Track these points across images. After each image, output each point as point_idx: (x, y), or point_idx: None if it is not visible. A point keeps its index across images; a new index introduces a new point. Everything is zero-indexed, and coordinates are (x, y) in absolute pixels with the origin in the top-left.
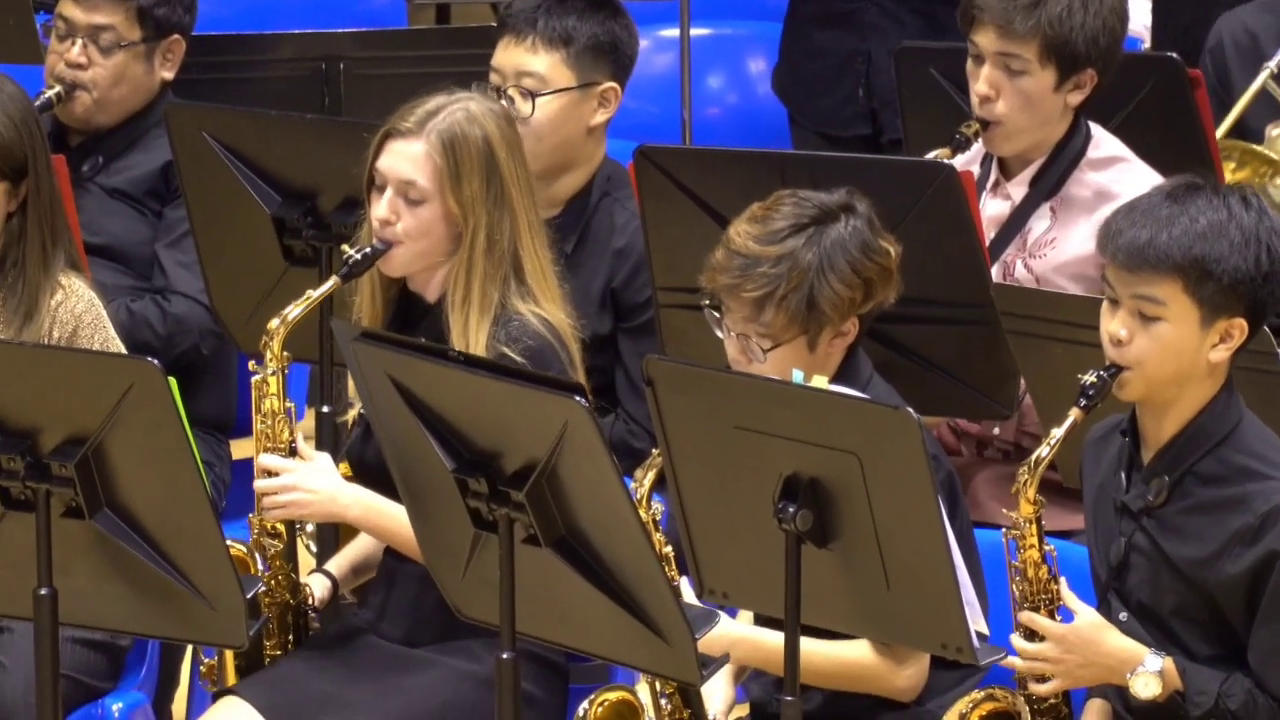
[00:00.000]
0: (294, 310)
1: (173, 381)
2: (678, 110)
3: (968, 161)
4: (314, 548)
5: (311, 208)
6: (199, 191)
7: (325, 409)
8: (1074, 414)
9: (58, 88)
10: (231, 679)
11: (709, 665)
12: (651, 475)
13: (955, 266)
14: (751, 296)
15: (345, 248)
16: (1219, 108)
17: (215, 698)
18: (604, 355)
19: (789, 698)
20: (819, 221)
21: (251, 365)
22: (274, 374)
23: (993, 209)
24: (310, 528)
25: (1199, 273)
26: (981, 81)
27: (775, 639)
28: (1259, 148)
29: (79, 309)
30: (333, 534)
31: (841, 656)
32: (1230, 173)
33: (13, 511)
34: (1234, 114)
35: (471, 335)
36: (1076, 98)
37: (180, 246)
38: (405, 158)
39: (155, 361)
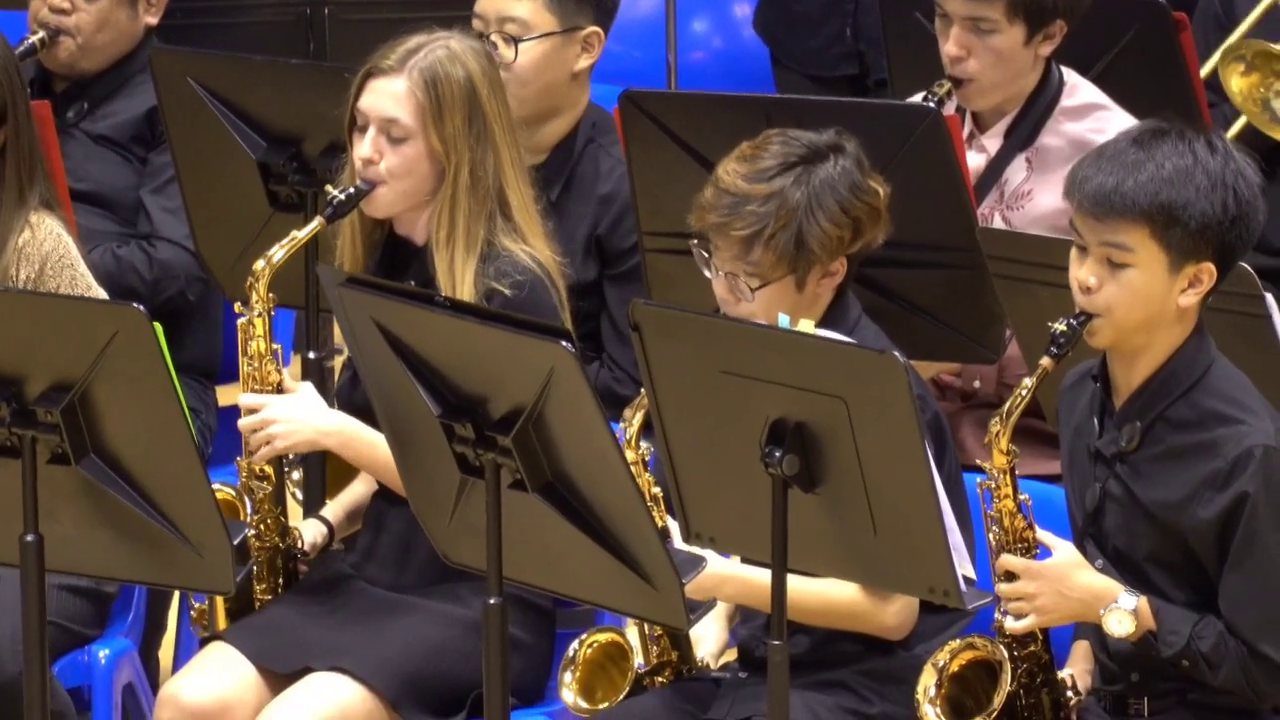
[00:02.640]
0: (278, 252)
1: (158, 327)
2: (662, 54)
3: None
4: (300, 495)
5: (296, 153)
6: (184, 137)
7: (311, 354)
8: (1045, 362)
9: (41, 33)
10: (222, 624)
11: (696, 610)
12: (640, 415)
13: (941, 211)
14: (740, 235)
15: (329, 188)
16: (1220, 32)
17: (202, 644)
18: (589, 302)
19: (776, 642)
20: (808, 160)
21: (237, 307)
22: (260, 315)
23: (970, 162)
24: (296, 475)
25: (1166, 218)
26: (951, 42)
27: (764, 577)
28: (1277, 47)
29: (46, 247)
30: (319, 481)
31: (828, 595)
32: (1239, 75)
33: None
34: (1241, 29)
35: (458, 273)
36: (1047, 48)
37: (165, 192)
38: (387, 95)
39: (141, 307)
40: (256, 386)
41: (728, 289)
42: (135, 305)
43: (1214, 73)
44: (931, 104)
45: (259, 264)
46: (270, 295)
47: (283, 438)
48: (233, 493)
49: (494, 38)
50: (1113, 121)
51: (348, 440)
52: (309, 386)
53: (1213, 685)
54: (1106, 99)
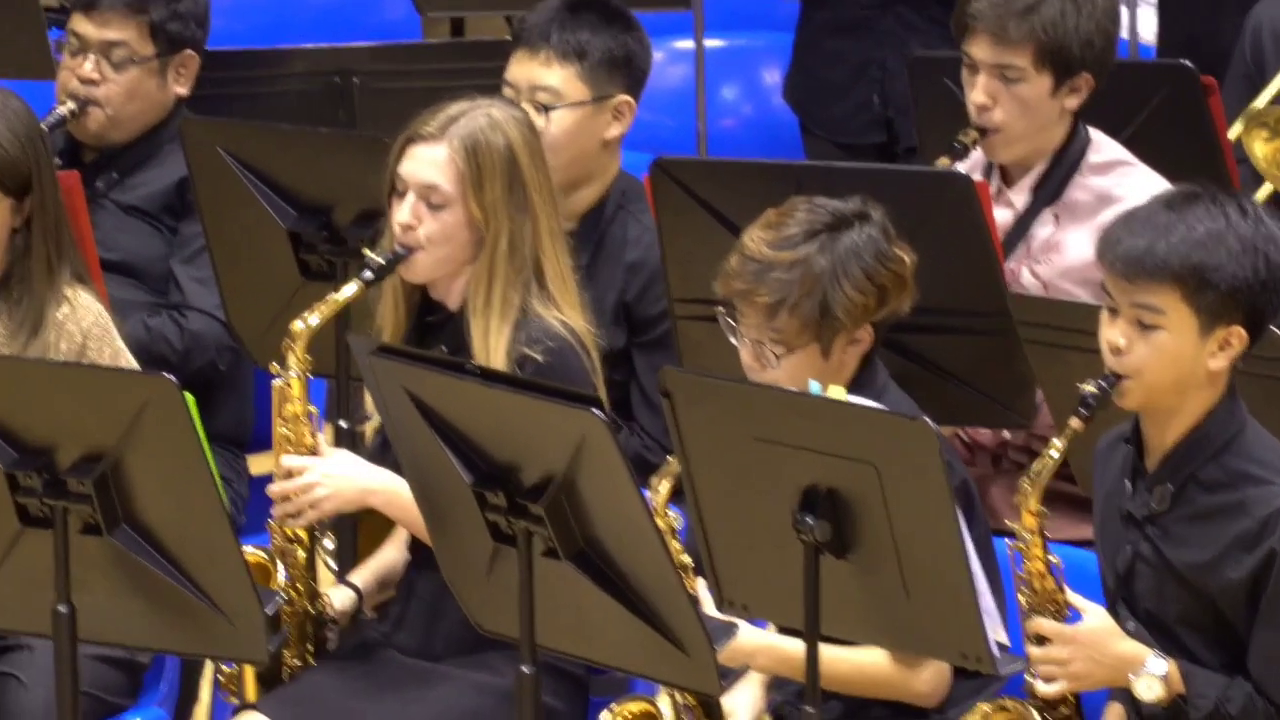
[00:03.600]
0: (316, 314)
1: (190, 397)
2: (693, 122)
3: (968, 170)
4: (333, 565)
5: (327, 222)
6: (214, 207)
7: (343, 423)
8: (1074, 423)
9: (71, 104)
10: (251, 689)
11: (728, 676)
12: (668, 483)
13: (971, 276)
14: (765, 302)
15: (367, 252)
16: (1251, 93)
17: (235, 713)
18: (618, 369)
19: (809, 709)
20: (833, 228)
21: (273, 368)
22: (296, 377)
23: (997, 218)
24: (329, 544)
25: (1197, 281)
26: (978, 90)
27: (795, 646)
28: None
29: (85, 322)
30: (351, 552)
31: (860, 662)
32: (1263, 141)
33: (31, 528)
34: (1265, 94)
35: (492, 340)
36: (1074, 102)
37: (196, 262)
38: (427, 162)
39: (172, 377)
40: (292, 449)
41: (754, 356)
42: (166, 375)
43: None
44: (957, 149)
45: (296, 325)
46: (307, 358)
47: (329, 499)
48: (265, 555)
49: (525, 106)
50: (1137, 176)
51: (392, 497)
52: (347, 453)
53: None
54: (1129, 155)
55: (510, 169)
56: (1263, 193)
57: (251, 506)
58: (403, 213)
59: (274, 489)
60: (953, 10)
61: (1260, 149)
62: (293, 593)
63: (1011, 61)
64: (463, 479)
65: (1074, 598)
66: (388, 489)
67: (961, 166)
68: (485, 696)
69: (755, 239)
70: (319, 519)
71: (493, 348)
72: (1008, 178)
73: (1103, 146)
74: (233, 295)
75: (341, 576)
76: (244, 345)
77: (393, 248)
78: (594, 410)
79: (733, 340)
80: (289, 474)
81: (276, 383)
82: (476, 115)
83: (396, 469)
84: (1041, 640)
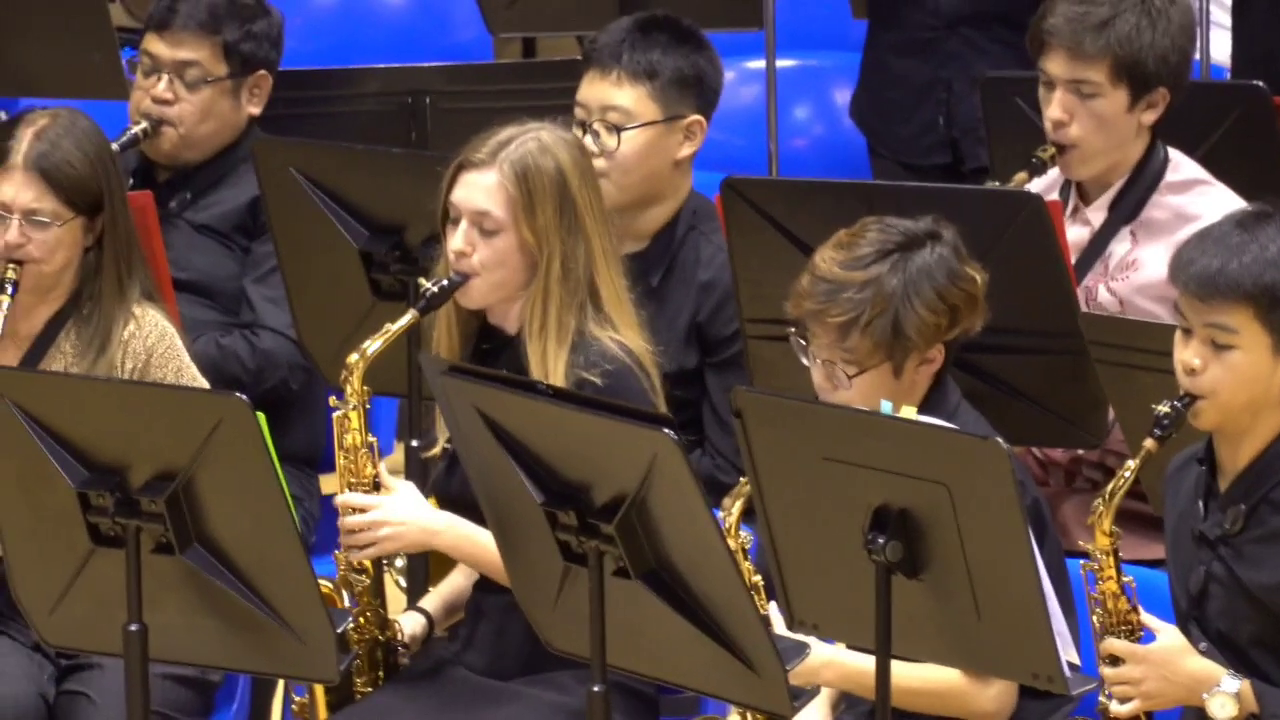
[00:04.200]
0: (372, 344)
1: (261, 417)
2: (764, 142)
3: (1045, 189)
4: (404, 583)
5: (399, 242)
6: (286, 226)
7: (414, 443)
8: (1148, 444)
9: (144, 123)
10: (322, 711)
11: (800, 696)
12: (739, 504)
13: (1043, 296)
14: (836, 322)
15: (422, 281)
16: None
17: None
18: (690, 389)
19: None
20: (904, 248)
21: (332, 401)
22: (354, 409)
23: (1073, 235)
24: (400, 563)
25: (1270, 300)
26: (1055, 106)
27: (863, 662)
28: None
29: (150, 340)
30: (423, 569)
31: (928, 679)
32: None
33: (102, 548)
34: None
35: (550, 364)
36: (1150, 117)
37: (268, 282)
38: (479, 189)
39: (244, 397)
40: (353, 480)
41: (825, 376)
42: (238, 394)
43: None
44: (1035, 165)
45: (353, 357)
46: (365, 388)
47: (393, 540)
48: (330, 585)
49: (596, 126)
50: (1216, 196)
51: (455, 541)
52: (410, 486)
53: None
54: (1207, 174)
55: (561, 192)
56: None
57: (323, 525)
58: (456, 240)
59: (341, 523)
60: (1019, 31)
61: None
62: (361, 620)
63: (1087, 76)
64: (534, 498)
65: (1147, 618)
66: (452, 530)
67: (1039, 183)
68: (555, 716)
69: (827, 259)
70: (379, 556)
71: (551, 371)
72: (1085, 195)
73: (1181, 165)
74: (304, 314)
75: (413, 597)
76: (316, 364)
77: (447, 275)
78: (665, 430)
79: (804, 360)
80: (353, 509)
81: (336, 414)
82: (526, 140)
83: (464, 487)
84: (1115, 660)
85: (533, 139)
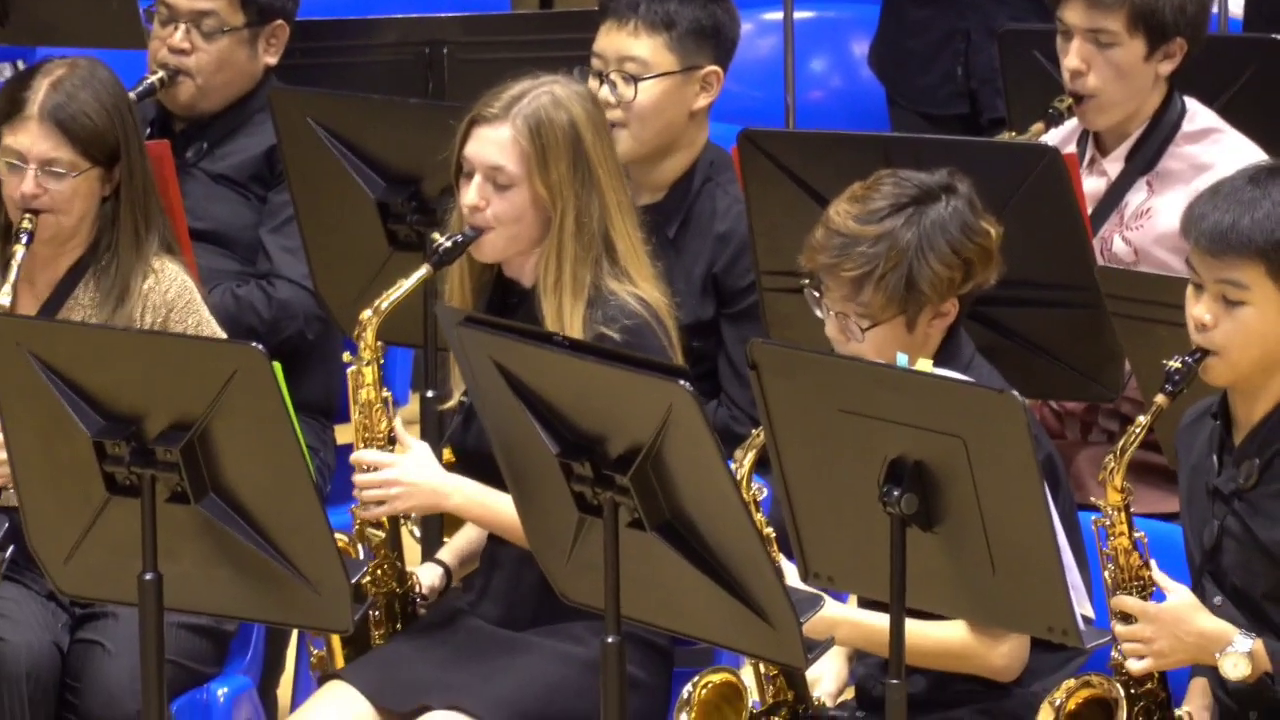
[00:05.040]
0: (386, 300)
1: (277, 366)
2: (781, 94)
3: (1063, 140)
4: (418, 533)
5: (415, 192)
6: (303, 176)
7: (430, 394)
8: (1160, 399)
9: (161, 73)
10: (339, 658)
11: (814, 649)
12: (751, 456)
13: (1059, 249)
14: (850, 275)
15: (435, 235)
16: None
17: (321, 681)
18: (706, 340)
19: (894, 681)
20: (919, 201)
21: (346, 356)
22: (369, 364)
23: (1089, 186)
24: (414, 515)
25: None
26: (1072, 56)
27: (875, 620)
28: None
29: (170, 294)
30: (437, 522)
31: (938, 636)
32: None
33: (118, 497)
34: None
35: (566, 319)
36: (1168, 67)
37: (285, 232)
38: (492, 143)
39: (260, 346)
40: (367, 435)
41: (839, 329)
42: (254, 344)
43: None
44: (1052, 115)
45: (366, 313)
46: (379, 343)
47: (403, 500)
48: (346, 539)
49: (614, 77)
50: (1229, 142)
51: (466, 503)
52: (424, 445)
53: None
54: (1223, 123)
55: (574, 146)
56: None
57: (338, 475)
58: (470, 194)
59: (355, 479)
60: None
61: None
62: (378, 573)
63: (1105, 26)
64: (549, 449)
65: (1159, 577)
66: (461, 493)
67: (1056, 133)
68: (569, 666)
69: (841, 212)
70: (392, 515)
71: (567, 326)
72: (1102, 145)
73: (1198, 115)
74: (321, 265)
75: (428, 549)
76: (332, 315)
77: (461, 229)
78: (681, 381)
79: (818, 313)
80: (368, 467)
81: (350, 370)
82: (539, 94)
83: (480, 439)
84: (1127, 618)
85: (546, 93)
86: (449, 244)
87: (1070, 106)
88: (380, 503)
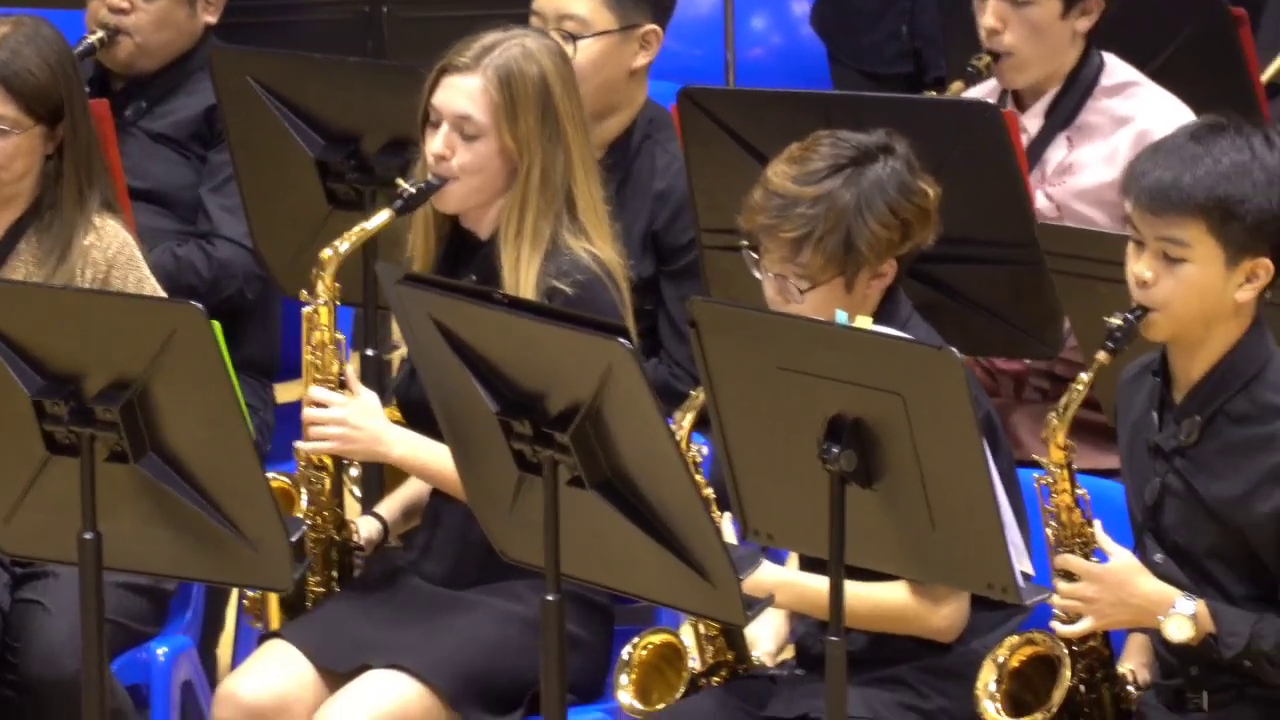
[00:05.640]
0: (346, 242)
1: (217, 325)
2: (721, 52)
3: (982, 96)
4: (358, 492)
5: (355, 151)
6: (242, 135)
7: (370, 352)
8: (1100, 356)
9: (100, 33)
10: (275, 615)
11: (753, 606)
12: (691, 416)
13: (999, 206)
14: (789, 237)
15: (400, 181)
16: None
17: (260, 640)
18: (646, 298)
19: (833, 638)
20: (857, 162)
21: (303, 295)
22: (325, 305)
23: None
24: (355, 471)
25: (1223, 213)
26: (988, 14)
27: (815, 582)
28: None
29: (111, 251)
30: (377, 478)
31: (878, 598)
32: None
33: (57, 456)
34: None
35: (523, 270)
36: (1085, 24)
37: (224, 191)
38: (461, 92)
39: (199, 305)
40: (319, 377)
41: (777, 290)
42: (194, 303)
43: None
44: (971, 74)
45: (326, 253)
46: (336, 285)
47: (344, 440)
48: (288, 482)
49: (552, 34)
50: (1148, 95)
51: (408, 453)
52: (373, 395)
53: (1275, 683)
54: (1141, 76)
55: (544, 99)
56: None
57: (278, 435)
58: (436, 143)
59: (304, 414)
60: None
61: None
62: (318, 519)
63: None
64: (489, 408)
65: (1101, 538)
66: (405, 443)
67: (975, 92)
68: (510, 625)
69: (779, 173)
70: (329, 453)
71: (523, 278)
72: (1020, 103)
73: (1115, 69)
74: (260, 224)
75: (368, 505)
76: (271, 273)
77: (426, 178)
78: (620, 339)
79: (756, 274)
80: (317, 404)
81: (306, 310)
82: (510, 45)
83: (424, 397)
84: (1068, 576)
85: (517, 45)
86: (413, 191)
87: (989, 65)
88: (323, 439)
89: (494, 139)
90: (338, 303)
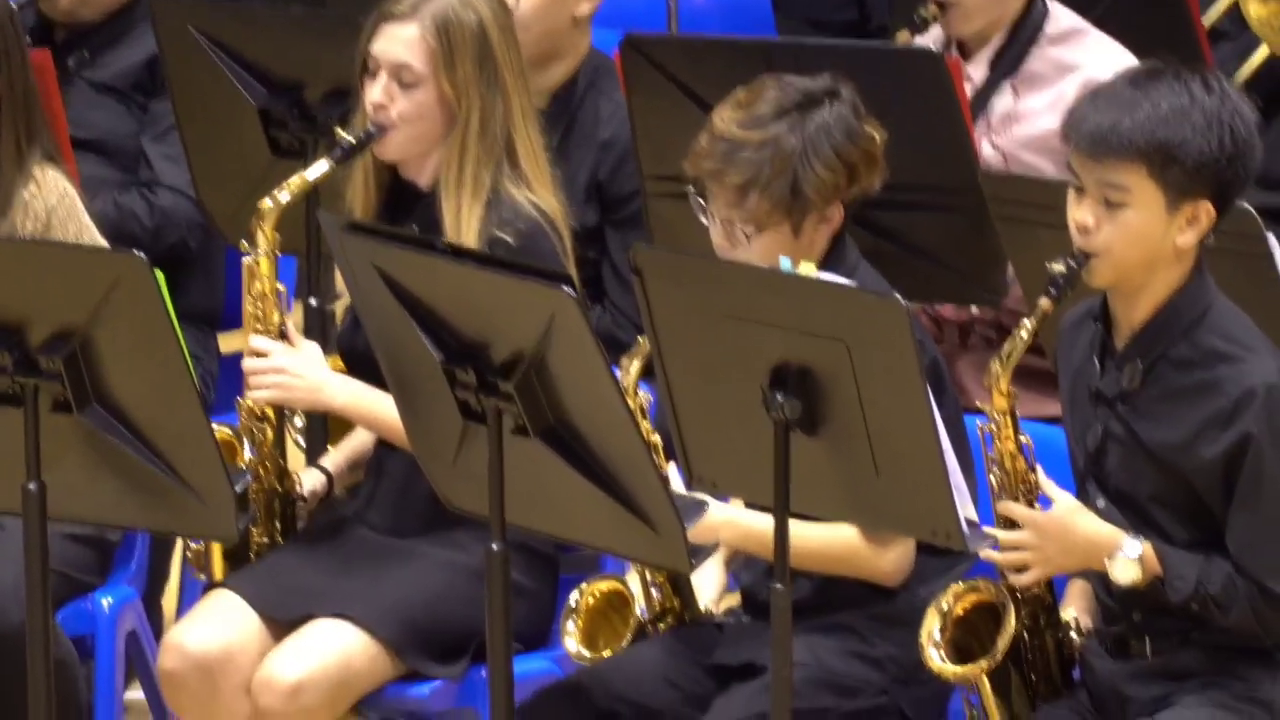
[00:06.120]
0: (285, 193)
1: (160, 275)
2: None
3: (928, 45)
4: (303, 442)
5: (298, 100)
6: (185, 85)
7: (313, 301)
8: (1043, 303)
9: None
10: (218, 566)
11: (698, 554)
12: (638, 364)
13: (943, 153)
14: (735, 182)
15: (339, 131)
16: None
17: (204, 590)
18: (590, 247)
19: (778, 586)
20: (802, 106)
21: (243, 246)
22: (265, 256)
23: None
24: (299, 422)
25: (1163, 157)
26: None
27: (762, 521)
28: None
29: (51, 201)
30: (322, 429)
31: (825, 540)
32: (1258, 3)
33: (2, 406)
34: None
35: (464, 220)
36: None
37: (166, 140)
38: (399, 41)
39: (142, 255)
40: (260, 327)
41: (724, 236)
42: (136, 253)
43: (1235, 2)
44: (917, 23)
45: (265, 204)
46: (276, 235)
47: (285, 389)
48: (231, 433)
49: None
50: (1093, 43)
51: (349, 401)
52: (314, 346)
53: (1222, 626)
54: (1086, 24)
55: (481, 47)
56: (1256, 58)
57: (221, 384)
58: (375, 92)
59: (245, 364)
60: None
61: (1255, 11)
62: (261, 470)
63: None
64: (432, 356)
65: (1045, 484)
66: (349, 392)
67: (922, 41)
68: (455, 573)
69: (725, 119)
70: (270, 402)
71: (464, 227)
72: (965, 51)
73: (1060, 17)
74: (203, 172)
75: (312, 456)
76: (214, 222)
77: (365, 127)
78: (564, 287)
79: (703, 220)
80: (257, 354)
81: (246, 260)
82: None
83: (367, 346)
84: (1011, 526)
85: None
86: (352, 140)
87: (935, 14)
88: (263, 388)
89: (432, 87)
90: (278, 253)
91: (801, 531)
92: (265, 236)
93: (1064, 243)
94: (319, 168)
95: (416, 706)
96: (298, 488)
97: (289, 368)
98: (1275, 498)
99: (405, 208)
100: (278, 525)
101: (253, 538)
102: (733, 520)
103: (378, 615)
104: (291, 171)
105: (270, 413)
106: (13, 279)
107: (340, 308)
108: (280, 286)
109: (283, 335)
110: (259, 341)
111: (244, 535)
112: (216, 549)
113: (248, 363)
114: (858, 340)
